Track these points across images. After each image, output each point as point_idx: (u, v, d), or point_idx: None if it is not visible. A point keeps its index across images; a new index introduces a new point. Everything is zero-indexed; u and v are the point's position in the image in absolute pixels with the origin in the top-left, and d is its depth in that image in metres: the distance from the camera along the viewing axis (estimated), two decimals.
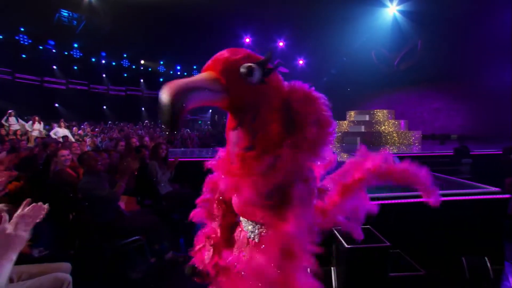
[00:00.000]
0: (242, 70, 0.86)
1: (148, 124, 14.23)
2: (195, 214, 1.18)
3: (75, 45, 15.28)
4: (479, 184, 2.66)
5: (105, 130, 10.67)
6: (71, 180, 3.06)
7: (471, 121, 10.96)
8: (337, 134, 11.08)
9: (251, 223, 1.01)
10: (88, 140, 6.81)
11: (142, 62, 18.60)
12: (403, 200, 2.41)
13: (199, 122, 21.08)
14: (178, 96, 0.77)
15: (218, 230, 1.14)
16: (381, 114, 10.67)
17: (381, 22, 12.05)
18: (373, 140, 9.92)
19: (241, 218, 1.05)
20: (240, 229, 1.07)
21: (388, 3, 11.40)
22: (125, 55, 17.68)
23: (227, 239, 1.13)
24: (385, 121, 10.38)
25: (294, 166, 0.88)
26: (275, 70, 0.92)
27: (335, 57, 13.11)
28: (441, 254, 2.40)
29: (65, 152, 3.25)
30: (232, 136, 0.95)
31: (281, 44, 14.45)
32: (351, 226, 1.17)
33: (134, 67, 18.68)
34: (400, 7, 11.27)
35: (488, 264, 2.34)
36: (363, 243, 1.77)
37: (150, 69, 19.40)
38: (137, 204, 3.38)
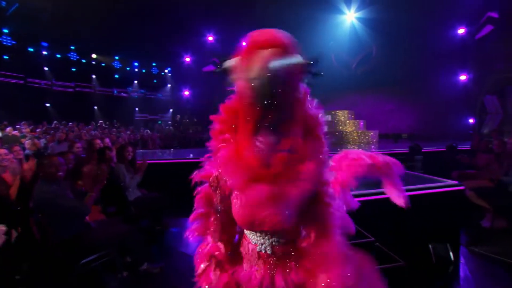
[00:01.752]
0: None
1: (103, 125, 13.09)
2: (192, 231, 1.06)
3: (5, 31, 13.22)
4: (439, 178, 2.97)
5: (50, 130, 9.49)
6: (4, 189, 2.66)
7: (418, 122, 12.27)
8: None
9: (259, 234, 0.92)
10: (27, 142, 5.89)
11: (94, 56, 17.03)
12: (373, 197, 2.57)
13: (159, 122, 20.08)
14: (274, 68, 0.74)
15: (222, 246, 1.03)
16: (342, 114, 11.35)
17: (340, 28, 12.84)
18: (336, 139, 10.52)
19: (246, 231, 0.97)
20: (246, 242, 0.97)
21: (346, 11, 12.18)
22: (72, 47, 16.00)
23: (233, 255, 1.03)
24: (346, 121, 11.07)
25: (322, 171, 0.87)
26: (320, 75, 0.86)
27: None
28: (411, 244, 2.62)
29: (2, 151, 2.81)
30: (263, 135, 0.83)
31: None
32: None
33: (84, 61, 16.98)
34: (357, 15, 12.12)
35: (450, 250, 2.63)
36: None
37: (103, 65, 17.88)
38: (101, 213, 3.09)
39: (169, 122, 17.31)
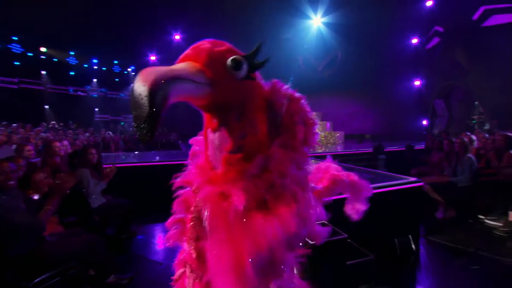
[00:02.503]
0: (229, 63, 0.78)
1: (56, 126, 12.00)
2: (169, 238, 1.02)
3: None
4: (401, 176, 3.21)
5: None
6: None
7: (380, 123, 13.20)
8: None
9: None
10: None
11: (44, 49, 15.50)
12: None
13: (122, 123, 19.00)
14: (160, 86, 0.63)
15: (194, 254, 0.96)
16: None
17: (307, 33, 13.33)
18: None
19: None
20: None
21: (313, 16, 12.69)
22: (15, 38, 14.35)
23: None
24: None
25: (286, 166, 0.83)
26: (263, 65, 0.85)
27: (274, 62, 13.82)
28: (379, 239, 2.79)
29: None
30: (213, 138, 0.86)
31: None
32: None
33: (31, 54, 15.33)
34: (323, 19, 12.67)
35: (412, 241, 2.86)
36: None
37: (56, 60, 16.41)
38: (59, 225, 2.82)
39: (133, 124, 16.44)
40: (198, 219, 0.90)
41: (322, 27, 12.99)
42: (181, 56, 0.81)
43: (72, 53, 16.62)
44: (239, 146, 0.83)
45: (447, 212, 3.99)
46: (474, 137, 5.57)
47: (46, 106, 16.26)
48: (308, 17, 12.75)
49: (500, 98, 7.86)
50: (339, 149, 9.11)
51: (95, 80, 18.25)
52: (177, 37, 14.22)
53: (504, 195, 3.75)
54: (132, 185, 4.05)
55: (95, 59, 17.68)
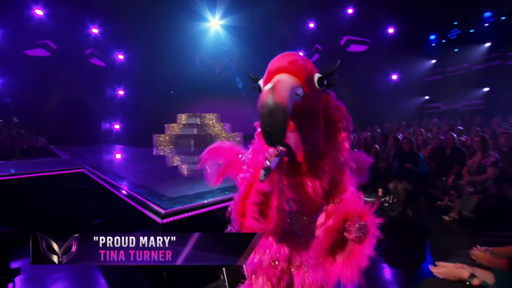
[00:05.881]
0: (316, 79, 1.01)
1: None
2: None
3: None
4: None
5: None
6: None
7: None
8: (170, 137, 11.29)
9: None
10: None
11: None
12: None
13: None
14: (288, 99, 0.85)
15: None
16: (210, 118, 12.02)
17: (205, 35, 13.53)
18: (205, 141, 11.03)
19: None
20: None
21: (211, 18, 12.99)
22: None
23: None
24: (214, 124, 11.83)
25: (342, 166, 1.14)
26: (337, 82, 1.11)
27: (169, 60, 13.11)
28: None
29: None
30: (292, 138, 1.07)
31: (95, 31, 12.33)
32: None
33: None
34: (221, 22, 13.14)
35: None
36: None
37: None
38: None
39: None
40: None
41: (220, 30, 13.47)
42: (277, 66, 0.98)
43: None
44: (312, 146, 1.07)
45: None
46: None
47: None
48: (207, 20, 13.00)
49: (362, 107, 10.66)
50: None
51: None
52: (39, 12, 11.34)
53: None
54: (8, 204, 3.13)
55: None
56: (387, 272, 2.85)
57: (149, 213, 2.37)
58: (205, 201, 2.62)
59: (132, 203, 2.78)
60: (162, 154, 9.07)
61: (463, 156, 4.89)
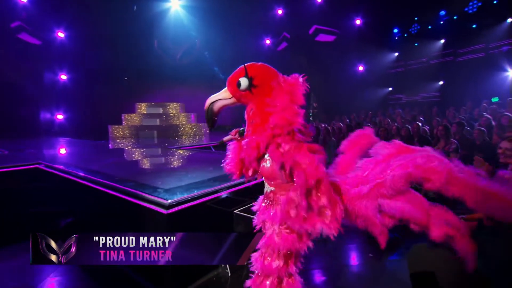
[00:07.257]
0: (237, 83, 1.52)
1: None
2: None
3: None
4: None
5: None
6: None
7: (238, 115, 14.79)
8: (129, 128, 10.52)
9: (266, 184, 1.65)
10: None
11: None
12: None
13: None
14: (208, 105, 1.59)
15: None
16: (173, 107, 11.48)
17: (164, 15, 12.62)
18: (169, 133, 10.54)
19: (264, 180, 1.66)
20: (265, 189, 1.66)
21: None
22: None
23: None
24: (178, 114, 11.31)
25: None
26: (253, 84, 1.51)
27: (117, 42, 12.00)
28: None
29: None
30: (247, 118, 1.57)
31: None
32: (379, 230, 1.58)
33: None
34: (182, 2, 12.39)
35: None
36: None
37: None
38: None
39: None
40: None
41: (181, 10, 12.79)
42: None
43: None
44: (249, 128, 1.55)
45: None
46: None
47: None
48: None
49: (329, 97, 11.11)
50: (204, 140, 9.63)
51: None
52: None
53: None
54: None
55: None
56: None
57: (151, 206, 2.27)
58: (210, 189, 2.58)
59: (129, 199, 2.60)
60: (122, 147, 8.40)
61: (429, 144, 5.47)
